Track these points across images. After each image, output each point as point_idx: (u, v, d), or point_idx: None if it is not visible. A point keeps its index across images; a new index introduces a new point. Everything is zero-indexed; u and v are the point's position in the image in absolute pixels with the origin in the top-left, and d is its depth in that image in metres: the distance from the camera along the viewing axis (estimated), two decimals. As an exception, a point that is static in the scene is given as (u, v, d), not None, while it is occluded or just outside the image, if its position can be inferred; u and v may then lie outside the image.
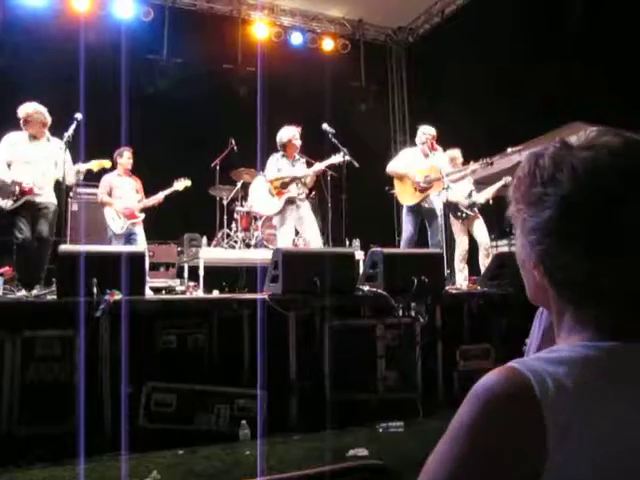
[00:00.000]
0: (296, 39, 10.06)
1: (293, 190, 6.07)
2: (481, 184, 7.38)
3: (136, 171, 6.94)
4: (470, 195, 6.95)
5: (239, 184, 7.95)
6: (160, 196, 6.77)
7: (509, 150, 6.91)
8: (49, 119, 5.52)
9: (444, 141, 6.64)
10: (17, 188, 5.25)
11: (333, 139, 5.92)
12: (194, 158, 8.04)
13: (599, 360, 0.73)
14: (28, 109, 5.46)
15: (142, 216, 6.67)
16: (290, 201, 6.07)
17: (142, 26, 8.75)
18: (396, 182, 6.53)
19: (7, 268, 6.13)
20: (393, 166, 6.52)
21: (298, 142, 6.16)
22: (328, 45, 10.25)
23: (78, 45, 6.90)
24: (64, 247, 4.36)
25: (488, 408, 0.70)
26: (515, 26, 7.58)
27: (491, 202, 7.05)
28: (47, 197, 5.52)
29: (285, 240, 6.08)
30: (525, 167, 0.82)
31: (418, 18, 10.63)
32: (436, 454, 0.73)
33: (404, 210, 6.55)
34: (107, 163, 6.00)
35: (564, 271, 0.76)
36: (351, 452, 3.29)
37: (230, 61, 9.51)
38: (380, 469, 1.03)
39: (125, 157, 6.73)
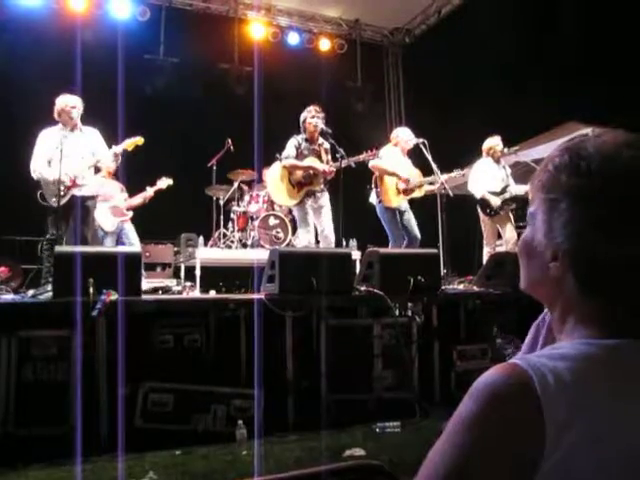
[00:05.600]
0: (293, 39, 10.07)
1: (316, 184, 5.87)
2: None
3: (132, 171, 6.92)
4: (504, 190, 6.72)
5: (236, 184, 7.95)
6: (147, 194, 6.82)
7: (505, 150, 6.92)
8: (78, 108, 5.45)
9: (439, 141, 6.62)
10: (62, 186, 5.16)
11: (330, 139, 5.90)
12: (191, 158, 8.05)
13: (600, 357, 0.73)
14: (59, 102, 5.44)
15: (130, 214, 6.75)
16: (310, 193, 5.90)
17: (139, 26, 8.75)
18: (379, 181, 6.41)
19: (3, 268, 6.12)
20: (380, 162, 6.30)
21: (316, 121, 5.84)
22: (325, 45, 10.26)
23: (74, 45, 6.89)
24: (60, 247, 4.35)
25: (488, 403, 0.71)
26: (511, 26, 7.59)
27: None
28: (89, 190, 5.54)
29: (306, 237, 5.91)
30: (564, 157, 0.81)
31: (414, 18, 10.64)
32: (437, 447, 0.74)
33: (386, 216, 6.39)
34: (140, 140, 5.90)
35: (597, 264, 0.76)
36: (348, 452, 3.29)
37: (227, 61, 9.51)
38: (377, 469, 1.03)
39: (115, 160, 6.73)
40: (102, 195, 6.61)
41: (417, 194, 6.48)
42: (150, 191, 6.89)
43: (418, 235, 6.42)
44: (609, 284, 0.76)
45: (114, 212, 6.60)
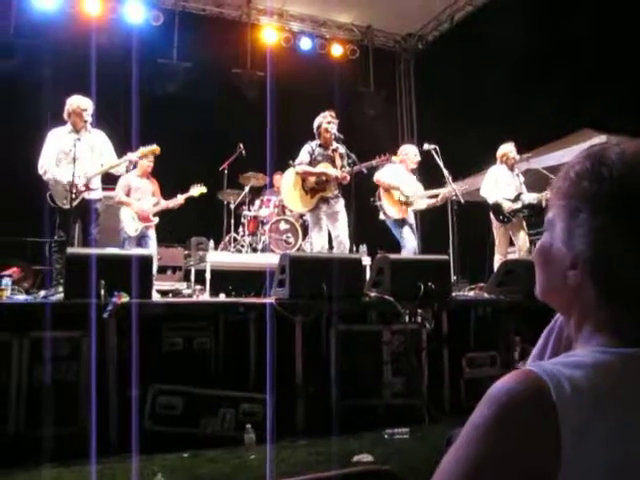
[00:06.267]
0: (305, 44, 10.11)
1: (329, 190, 5.83)
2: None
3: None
4: (518, 198, 6.70)
5: (247, 188, 7.99)
6: (179, 200, 6.79)
7: (517, 157, 6.89)
8: (89, 110, 5.48)
9: (450, 147, 6.61)
10: (73, 188, 5.19)
11: (342, 144, 5.91)
12: (202, 162, 8.10)
13: (616, 366, 0.73)
14: (71, 103, 5.47)
15: (156, 220, 6.70)
16: (324, 200, 5.85)
17: (152, 30, 8.84)
18: (383, 194, 6.49)
19: (15, 269, 6.16)
20: (383, 176, 6.43)
21: (331, 127, 5.82)
22: (337, 51, 10.30)
23: (89, 49, 6.97)
24: (73, 249, 4.39)
25: (504, 411, 0.70)
26: (525, 33, 7.57)
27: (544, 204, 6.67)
28: (98, 193, 5.59)
29: (319, 241, 5.87)
30: (585, 164, 0.80)
31: (427, 24, 10.65)
32: (451, 455, 0.73)
33: (394, 225, 6.48)
34: (156, 149, 5.87)
35: (618, 273, 0.75)
36: (356, 458, 3.27)
37: (239, 66, 9.55)
38: (387, 474, 1.03)
39: (147, 159, 6.75)
40: (131, 196, 6.64)
41: (419, 206, 6.52)
42: (181, 198, 6.79)
43: (416, 248, 6.49)
44: (628, 293, 0.76)
45: (140, 216, 6.58)
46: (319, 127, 5.92)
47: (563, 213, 0.81)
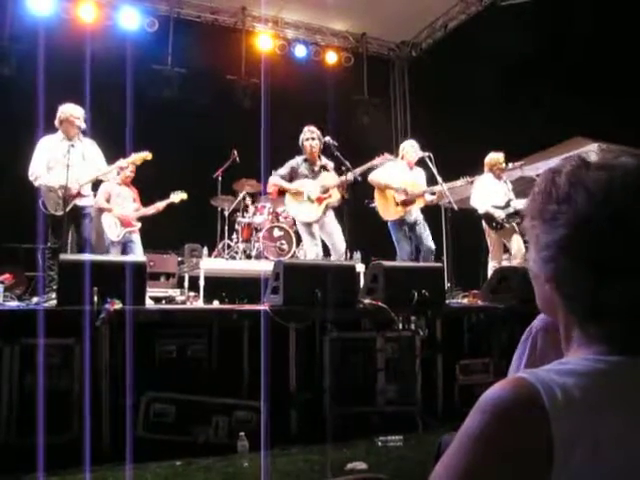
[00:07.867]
0: (300, 52, 10.14)
1: (334, 196, 5.84)
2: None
3: (138, 180, 6.95)
4: (508, 205, 6.70)
5: (241, 195, 7.99)
6: (159, 206, 6.78)
7: (510, 165, 6.91)
8: (81, 118, 5.46)
9: (444, 154, 6.62)
10: (63, 192, 5.18)
11: (336, 152, 5.92)
12: (196, 168, 8.09)
13: (607, 373, 0.73)
14: (64, 111, 5.46)
15: (139, 225, 6.69)
16: (327, 207, 5.87)
17: (147, 36, 8.85)
18: (377, 195, 6.43)
19: (7, 275, 6.13)
20: (376, 176, 6.33)
21: (311, 143, 5.91)
22: (331, 58, 10.34)
23: (84, 55, 6.96)
24: (65, 256, 4.37)
25: (496, 418, 0.70)
26: (518, 41, 7.63)
27: None
28: (89, 200, 5.58)
29: (313, 249, 5.88)
30: (541, 184, 0.82)
31: (421, 32, 10.71)
32: (443, 463, 0.73)
33: (391, 228, 6.41)
34: (148, 155, 5.85)
35: (574, 287, 0.77)
36: (350, 465, 3.26)
37: (234, 72, 9.56)
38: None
39: (128, 170, 6.75)
40: (112, 202, 6.63)
41: (416, 205, 6.46)
42: (162, 204, 6.79)
43: (432, 247, 6.36)
44: (591, 306, 0.77)
45: (122, 221, 6.57)
46: (302, 143, 6.01)
47: (529, 232, 0.84)
